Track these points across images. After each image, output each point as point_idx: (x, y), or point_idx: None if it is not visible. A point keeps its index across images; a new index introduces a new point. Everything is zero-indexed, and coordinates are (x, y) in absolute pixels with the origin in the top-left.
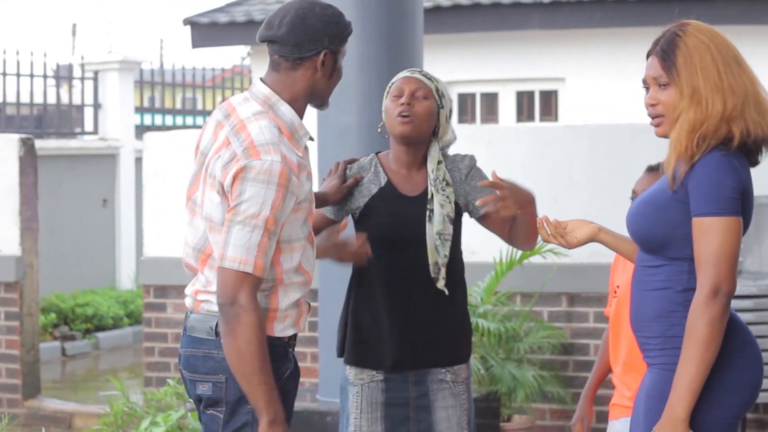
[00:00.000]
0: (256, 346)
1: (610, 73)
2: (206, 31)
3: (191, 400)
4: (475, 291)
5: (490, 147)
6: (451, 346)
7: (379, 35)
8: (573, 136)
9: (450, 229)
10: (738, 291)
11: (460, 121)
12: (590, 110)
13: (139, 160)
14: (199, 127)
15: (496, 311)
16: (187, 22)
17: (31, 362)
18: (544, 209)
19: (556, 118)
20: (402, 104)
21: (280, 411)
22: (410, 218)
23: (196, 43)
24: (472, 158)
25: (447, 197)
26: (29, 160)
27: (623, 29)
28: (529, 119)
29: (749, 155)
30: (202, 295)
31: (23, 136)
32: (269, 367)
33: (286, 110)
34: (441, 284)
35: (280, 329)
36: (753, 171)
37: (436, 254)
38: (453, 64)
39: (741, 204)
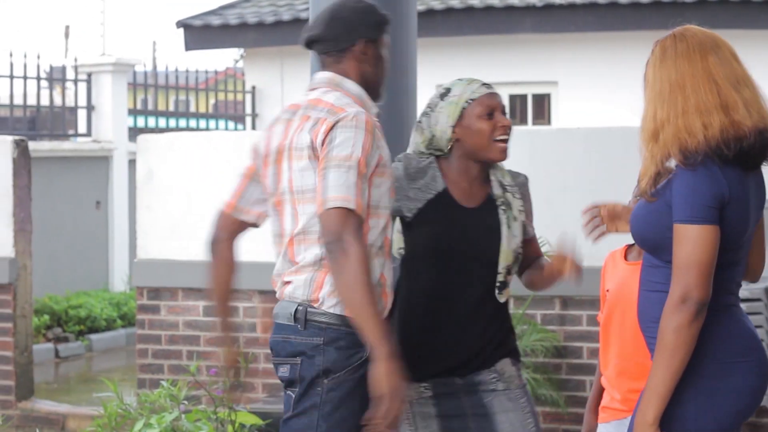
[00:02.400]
0: (364, 280)
1: (603, 77)
2: (199, 34)
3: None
4: None
5: None
6: (495, 346)
7: None
8: (566, 140)
9: (521, 240)
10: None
11: None
12: (583, 113)
13: (132, 162)
14: (192, 129)
15: None
16: (180, 24)
17: (24, 364)
18: (537, 213)
19: (548, 122)
20: (502, 126)
21: (393, 346)
22: (468, 230)
23: (189, 45)
24: (525, 177)
25: (522, 206)
26: (23, 162)
27: (616, 33)
28: (521, 123)
29: (734, 160)
30: (289, 276)
31: (17, 137)
32: (376, 305)
33: (351, 86)
34: (503, 297)
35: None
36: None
37: (510, 268)
38: (445, 68)
39: (720, 213)
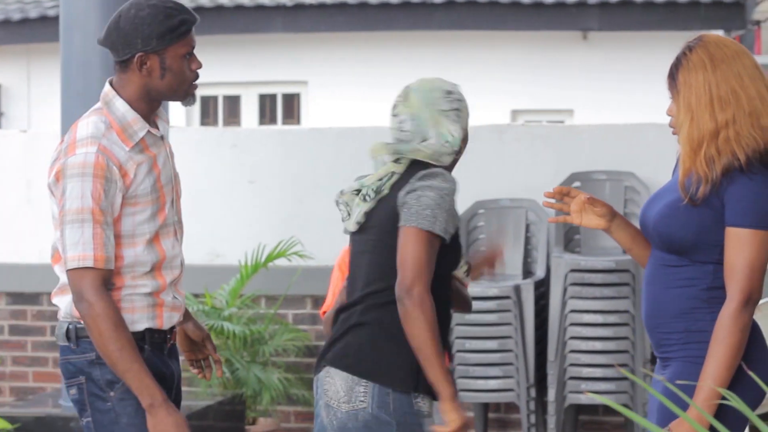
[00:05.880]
0: (111, 335)
1: (353, 77)
2: None
3: None
4: (220, 294)
5: (235, 150)
6: None
7: None
8: (318, 139)
9: None
10: (479, 293)
11: (203, 123)
12: (333, 113)
13: None
14: None
15: (241, 314)
16: None
17: None
18: (287, 211)
19: (298, 121)
20: None
21: (156, 394)
22: None
23: None
24: None
25: None
26: None
27: (366, 33)
28: (271, 122)
29: None
30: (55, 297)
31: None
32: (130, 351)
33: (119, 105)
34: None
35: (129, 323)
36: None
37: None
38: None
39: None
